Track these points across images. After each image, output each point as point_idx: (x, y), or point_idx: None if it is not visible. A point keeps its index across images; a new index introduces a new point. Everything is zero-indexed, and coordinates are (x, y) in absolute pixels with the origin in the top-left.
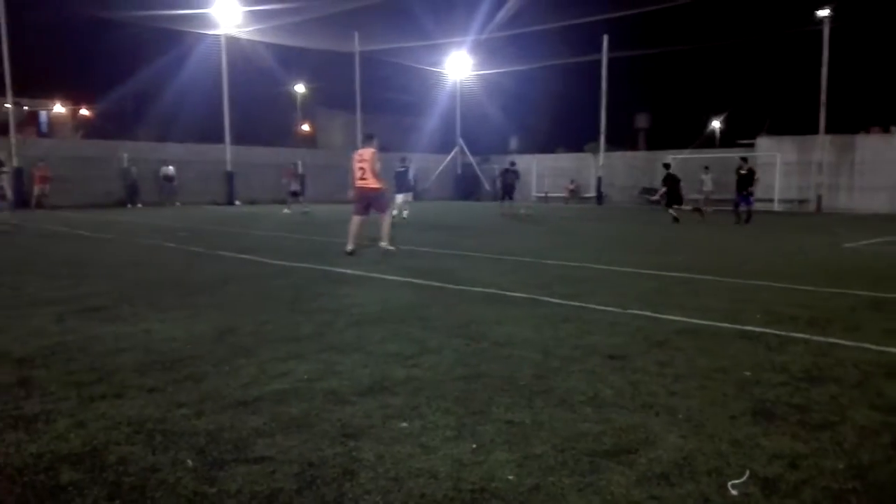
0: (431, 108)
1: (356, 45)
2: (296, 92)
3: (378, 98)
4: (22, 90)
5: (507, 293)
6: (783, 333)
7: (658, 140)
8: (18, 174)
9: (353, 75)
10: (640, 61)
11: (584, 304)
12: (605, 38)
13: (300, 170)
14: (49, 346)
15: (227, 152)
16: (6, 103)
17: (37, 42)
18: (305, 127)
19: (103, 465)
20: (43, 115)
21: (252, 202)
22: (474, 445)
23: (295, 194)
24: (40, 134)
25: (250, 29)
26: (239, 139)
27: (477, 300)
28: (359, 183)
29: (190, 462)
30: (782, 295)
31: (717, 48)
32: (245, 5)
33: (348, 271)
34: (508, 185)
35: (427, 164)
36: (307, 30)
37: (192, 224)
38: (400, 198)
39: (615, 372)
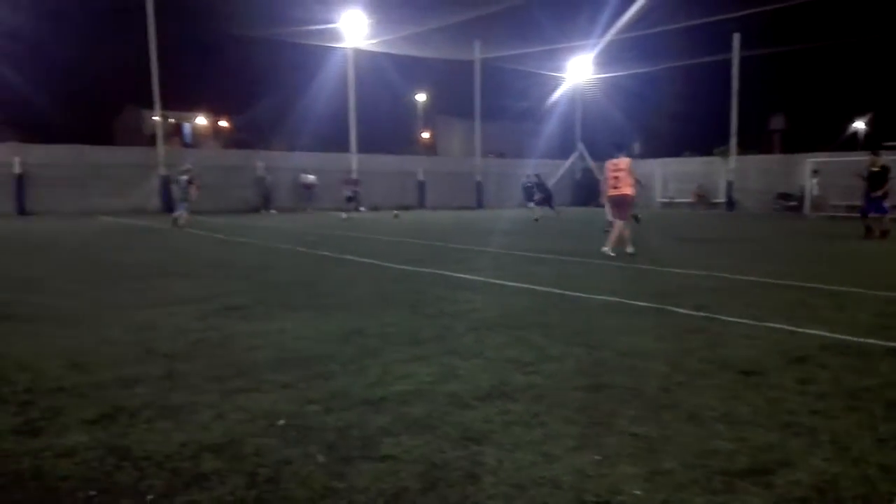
0: (550, 112)
1: (477, 53)
2: (417, 100)
3: (496, 104)
4: (167, 103)
5: (630, 302)
6: None
7: (795, 143)
8: (165, 182)
9: (472, 83)
10: (775, 60)
11: (713, 315)
12: (737, 37)
13: (355, 177)
14: (192, 341)
15: (353, 161)
16: (154, 116)
17: (180, 57)
18: (426, 135)
19: (241, 456)
20: (186, 126)
21: (375, 208)
22: (598, 457)
23: (350, 199)
24: (184, 144)
25: (375, 41)
26: (363, 147)
27: (598, 308)
28: (612, 192)
29: (320, 457)
30: None
31: (859, 44)
32: (371, 18)
33: (467, 276)
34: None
35: (545, 170)
36: (429, 39)
37: (320, 229)
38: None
39: (750, 388)
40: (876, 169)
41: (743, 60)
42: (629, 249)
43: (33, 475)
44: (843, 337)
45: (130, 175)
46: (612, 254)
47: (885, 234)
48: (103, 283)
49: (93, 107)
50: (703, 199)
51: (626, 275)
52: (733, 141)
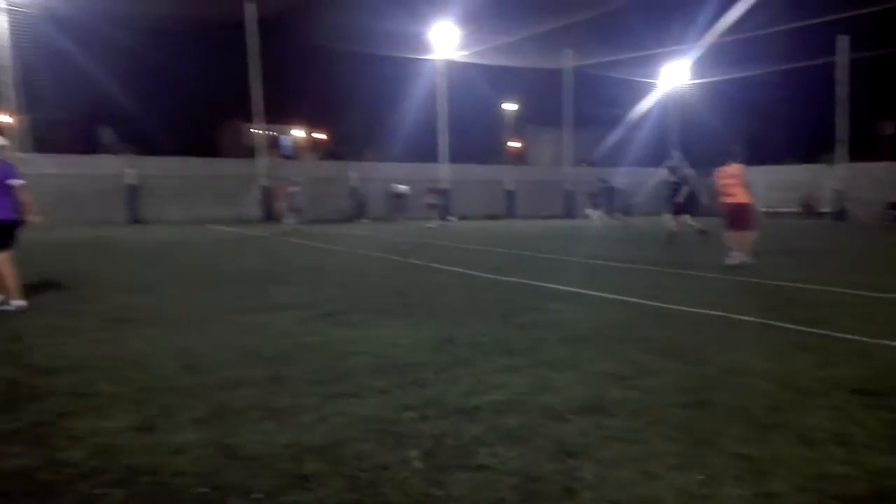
0: (643, 120)
1: (568, 61)
2: (506, 110)
3: (586, 112)
4: (267, 117)
5: (733, 316)
6: None
7: None
8: (265, 192)
9: (562, 91)
10: (884, 62)
11: (825, 332)
12: (844, 39)
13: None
14: (294, 346)
15: (443, 171)
16: (255, 129)
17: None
18: (515, 144)
19: (342, 459)
20: (284, 139)
21: (464, 217)
22: (701, 476)
23: (432, 206)
24: (283, 156)
25: (465, 52)
26: (452, 158)
27: (698, 322)
28: (725, 200)
29: (418, 463)
30: None
31: None
32: (462, 30)
33: (559, 287)
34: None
35: (638, 179)
36: (519, 49)
37: (411, 238)
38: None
39: (865, 409)
40: None
41: (851, 63)
42: (742, 259)
43: (148, 471)
44: None
45: (233, 186)
46: (741, 262)
47: None
48: (211, 289)
49: (200, 122)
50: (808, 208)
51: (728, 287)
52: (840, 148)
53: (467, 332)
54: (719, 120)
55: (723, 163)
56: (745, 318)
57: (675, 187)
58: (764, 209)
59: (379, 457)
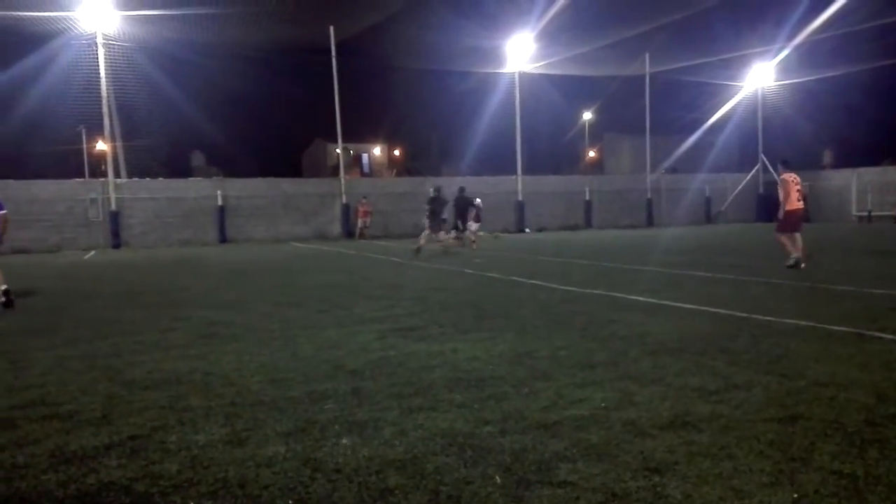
0: (727, 123)
1: (647, 67)
2: (583, 119)
3: (667, 118)
4: (349, 136)
5: (826, 326)
6: None
7: None
8: (346, 209)
9: (640, 98)
10: None
11: None
12: None
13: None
14: (374, 360)
15: (519, 183)
16: (337, 149)
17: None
18: (592, 153)
19: (423, 473)
20: (365, 157)
21: (541, 229)
22: (795, 495)
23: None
24: (363, 174)
25: (540, 63)
26: (529, 169)
27: (789, 334)
28: (798, 205)
29: (498, 479)
30: None
31: None
32: (536, 41)
33: (640, 298)
34: (461, 212)
35: (723, 185)
36: (596, 58)
37: (487, 251)
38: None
39: None
40: None
41: None
42: (797, 259)
43: (239, 483)
44: None
45: (316, 204)
46: (796, 262)
47: None
48: (294, 304)
49: (284, 143)
50: None
51: (820, 297)
52: None
53: (546, 346)
54: (808, 122)
55: (786, 170)
56: (840, 328)
57: (439, 206)
58: (858, 213)
59: (460, 471)
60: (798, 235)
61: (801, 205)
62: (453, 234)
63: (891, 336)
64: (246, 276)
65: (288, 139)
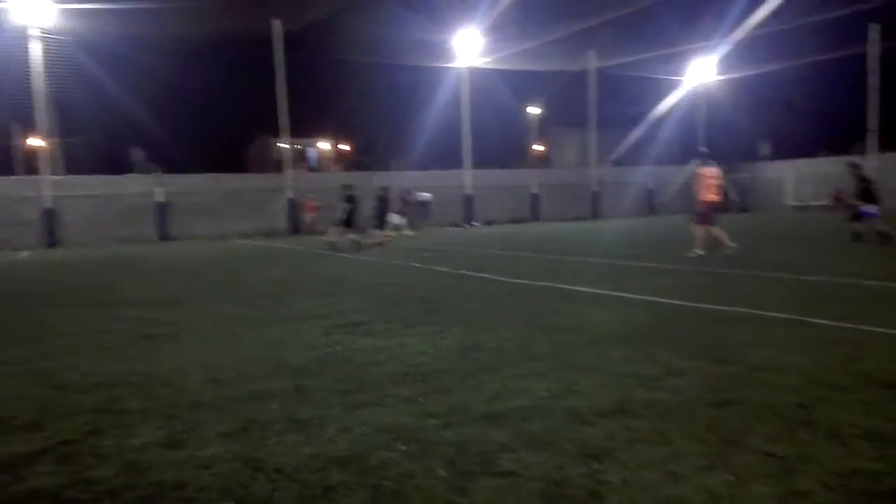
0: (667, 118)
1: (591, 63)
2: (530, 113)
3: (612, 112)
4: (293, 131)
5: (763, 313)
6: None
7: None
8: (292, 205)
9: (586, 93)
10: None
11: (857, 326)
12: (875, 28)
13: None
14: (319, 356)
15: (467, 177)
16: (282, 143)
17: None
18: (539, 147)
19: (366, 469)
20: (311, 151)
21: (489, 223)
22: (729, 477)
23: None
24: (309, 169)
25: (488, 58)
26: (476, 163)
27: (727, 320)
28: (713, 197)
29: (441, 471)
30: None
31: None
32: (484, 36)
33: (584, 289)
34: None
35: (665, 178)
36: (542, 53)
37: (436, 245)
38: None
39: (895, 403)
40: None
41: (882, 53)
42: (732, 244)
43: (175, 486)
44: None
45: (261, 200)
46: (732, 244)
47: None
48: (237, 302)
49: (227, 138)
50: (841, 201)
51: (759, 285)
52: (871, 138)
53: (492, 338)
54: (747, 116)
55: (705, 164)
56: (777, 314)
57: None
58: (794, 203)
59: (403, 465)
60: (714, 228)
61: (715, 197)
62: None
63: (826, 322)
64: (187, 274)
65: (232, 134)
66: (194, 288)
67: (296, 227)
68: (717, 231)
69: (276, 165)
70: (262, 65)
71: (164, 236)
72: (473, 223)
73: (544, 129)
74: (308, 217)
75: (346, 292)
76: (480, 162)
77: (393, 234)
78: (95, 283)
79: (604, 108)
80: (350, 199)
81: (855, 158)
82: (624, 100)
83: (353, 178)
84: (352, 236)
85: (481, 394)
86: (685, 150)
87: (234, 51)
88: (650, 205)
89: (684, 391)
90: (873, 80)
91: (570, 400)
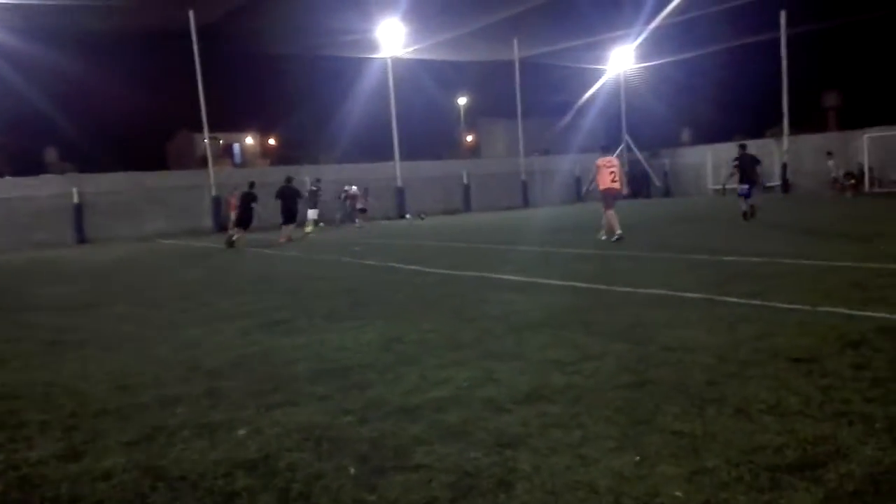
0: (592, 106)
1: (515, 52)
2: (458, 104)
3: (538, 101)
4: (217, 125)
5: (679, 294)
6: None
7: (851, 119)
8: (216, 202)
9: (512, 82)
10: (825, 35)
11: (766, 303)
12: (783, 14)
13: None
14: (235, 357)
15: (397, 168)
16: (204, 138)
17: (227, 80)
18: (469, 138)
19: (274, 472)
20: (236, 146)
21: (421, 215)
22: (638, 458)
23: (363, 210)
24: (234, 164)
25: (413, 48)
26: (407, 155)
27: (644, 302)
28: (610, 185)
29: (352, 469)
30: None
31: None
32: (408, 26)
33: (510, 277)
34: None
35: (591, 165)
36: (467, 43)
37: (367, 239)
38: (312, 213)
39: (801, 377)
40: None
41: (792, 38)
42: (619, 231)
43: (71, 500)
44: None
45: (183, 198)
46: (606, 237)
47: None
48: (154, 304)
49: (148, 134)
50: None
51: (677, 266)
52: (785, 122)
53: (416, 330)
54: (667, 103)
55: (606, 151)
56: (692, 294)
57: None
58: (713, 187)
59: (313, 466)
60: (612, 212)
61: (613, 185)
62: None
63: (735, 299)
64: (102, 277)
65: (151, 130)
66: (109, 291)
67: (221, 226)
68: (611, 216)
69: (199, 161)
70: (182, 57)
71: (82, 239)
72: (406, 215)
73: (473, 119)
74: (233, 214)
75: (269, 290)
76: (412, 153)
77: (310, 228)
78: (2, 290)
79: (530, 97)
80: (250, 198)
81: (743, 142)
82: (549, 89)
83: (279, 172)
84: (237, 234)
85: (400, 387)
86: (609, 138)
87: (151, 43)
88: (578, 192)
89: (598, 374)
90: (783, 65)
91: (489, 389)
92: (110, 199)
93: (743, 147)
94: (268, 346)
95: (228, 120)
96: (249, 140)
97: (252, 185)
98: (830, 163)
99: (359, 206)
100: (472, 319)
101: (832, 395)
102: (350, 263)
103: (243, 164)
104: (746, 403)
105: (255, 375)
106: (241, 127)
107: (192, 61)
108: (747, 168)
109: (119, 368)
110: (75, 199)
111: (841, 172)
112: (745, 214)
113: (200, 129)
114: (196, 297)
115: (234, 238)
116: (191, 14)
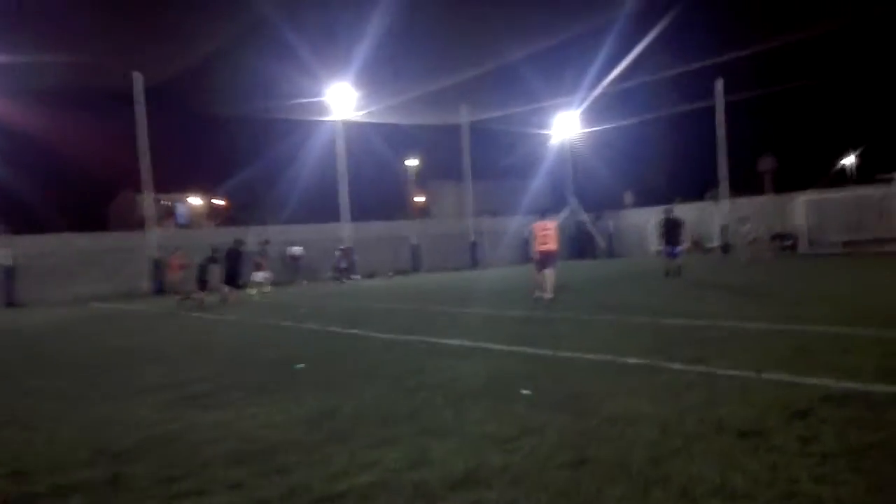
0: (539, 169)
1: (464, 117)
2: (408, 166)
3: (487, 163)
4: (160, 186)
5: (622, 359)
6: None
7: (786, 182)
8: (156, 264)
9: (460, 145)
10: (759, 102)
11: (710, 369)
12: (719, 82)
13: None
14: (149, 438)
15: (345, 230)
16: (145, 199)
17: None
18: (419, 199)
19: None
20: (180, 207)
21: (371, 275)
22: None
23: (346, 270)
24: (178, 225)
25: (363, 112)
26: (357, 216)
27: (588, 369)
28: (542, 248)
29: None
30: None
31: (844, 80)
32: (359, 90)
33: (455, 342)
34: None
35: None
36: (417, 107)
37: (312, 301)
38: (260, 276)
39: (748, 453)
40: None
41: (729, 105)
42: (540, 293)
43: None
44: (847, 385)
45: (120, 259)
46: (551, 296)
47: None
48: (72, 374)
49: (89, 195)
50: (698, 245)
51: (621, 329)
52: (724, 185)
53: (352, 403)
54: (611, 166)
55: (543, 216)
56: (636, 360)
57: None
58: (657, 248)
59: None
60: (547, 272)
61: (545, 247)
62: (226, 289)
63: (679, 366)
64: (18, 345)
65: (93, 191)
66: (22, 361)
67: (160, 288)
68: (540, 278)
69: (142, 222)
70: (129, 117)
71: (11, 302)
72: (353, 276)
73: (423, 180)
74: (173, 277)
75: (201, 358)
76: (362, 214)
77: (254, 291)
78: None
79: (479, 159)
80: (211, 260)
81: (669, 206)
82: (498, 152)
83: (226, 233)
84: (195, 295)
85: (326, 470)
86: (556, 200)
87: (97, 102)
88: (525, 253)
89: (538, 451)
90: (720, 131)
91: (421, 470)
92: (43, 261)
93: (668, 211)
94: (188, 422)
95: (174, 181)
96: (195, 200)
97: (239, 242)
98: (746, 227)
99: (342, 265)
100: (412, 389)
101: (779, 473)
102: (291, 328)
103: (188, 225)
104: (692, 484)
105: (168, 458)
106: (187, 188)
107: (138, 121)
108: (670, 230)
109: (19, 451)
110: (6, 262)
111: (752, 236)
112: (667, 272)
113: (141, 190)
114: (120, 366)
115: (196, 297)
116: (135, 76)
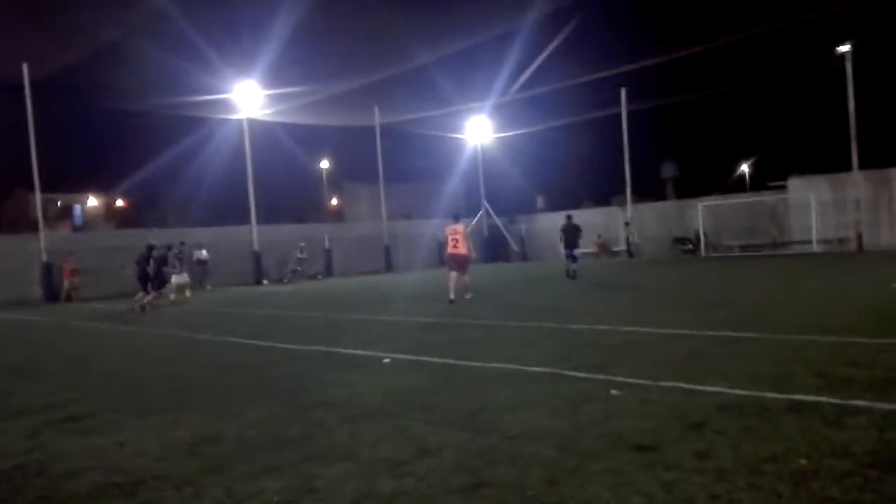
0: (454, 172)
1: (376, 119)
2: (321, 168)
3: (400, 167)
4: (56, 185)
5: (526, 368)
6: (841, 402)
7: (687, 188)
8: (48, 269)
9: (374, 148)
10: (662, 111)
11: (610, 378)
12: (624, 91)
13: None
14: (7, 469)
15: (254, 232)
16: (37, 199)
17: (67, 137)
18: (334, 201)
19: None
20: (77, 208)
21: (279, 280)
22: None
23: (294, 272)
24: (74, 227)
25: (272, 111)
26: (267, 218)
27: (492, 379)
28: (452, 251)
29: None
30: (833, 351)
31: (740, 91)
32: (265, 89)
33: (359, 352)
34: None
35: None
36: (329, 108)
37: (213, 308)
38: (176, 279)
39: (644, 469)
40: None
41: (633, 113)
42: (468, 295)
43: None
44: (741, 392)
45: (8, 264)
46: (453, 297)
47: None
48: None
49: None
50: (604, 248)
51: (527, 335)
52: (628, 191)
53: (237, 424)
54: (523, 171)
55: (456, 220)
56: (539, 369)
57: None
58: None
59: None
60: (454, 274)
61: (455, 250)
62: (150, 294)
63: (581, 374)
64: None
65: None
66: None
67: (53, 295)
68: (454, 279)
69: (34, 224)
70: (21, 112)
71: None
72: (264, 281)
73: (337, 183)
74: (67, 282)
75: (83, 375)
76: (274, 217)
77: (173, 296)
78: None
79: (393, 162)
80: (138, 262)
81: (569, 213)
82: (414, 155)
83: (125, 236)
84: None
85: None
86: (470, 204)
87: None
88: (440, 257)
89: (433, 475)
90: (624, 138)
91: (303, 502)
92: None
93: (569, 217)
94: (55, 450)
95: (70, 180)
96: (92, 201)
97: (151, 247)
98: (628, 231)
99: (293, 266)
100: (306, 407)
101: (675, 491)
102: (185, 339)
103: (85, 226)
104: None
105: (23, 494)
106: (84, 187)
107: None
108: (569, 235)
109: None
110: None
111: (633, 239)
112: (567, 273)
113: (33, 189)
114: None
115: (144, 302)
116: (24, 67)
